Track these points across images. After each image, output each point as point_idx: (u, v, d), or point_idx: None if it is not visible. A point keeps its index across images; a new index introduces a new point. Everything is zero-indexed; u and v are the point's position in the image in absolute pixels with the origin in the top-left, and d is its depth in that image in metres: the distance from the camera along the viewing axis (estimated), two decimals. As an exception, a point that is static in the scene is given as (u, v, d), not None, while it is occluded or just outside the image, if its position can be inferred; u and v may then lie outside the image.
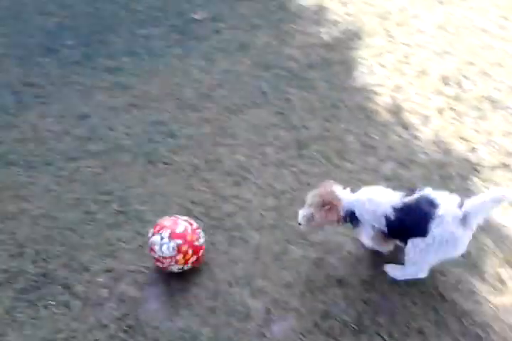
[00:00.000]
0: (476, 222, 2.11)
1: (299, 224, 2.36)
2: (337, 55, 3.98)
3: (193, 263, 2.41)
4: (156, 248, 2.33)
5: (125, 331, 2.27)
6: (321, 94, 3.59)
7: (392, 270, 2.42)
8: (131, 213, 2.80)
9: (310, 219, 2.30)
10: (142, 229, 2.69)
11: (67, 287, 2.45)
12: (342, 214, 2.26)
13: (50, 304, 2.38)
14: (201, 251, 2.43)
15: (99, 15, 4.65)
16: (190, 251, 2.36)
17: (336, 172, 3.00)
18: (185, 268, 2.41)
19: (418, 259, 2.25)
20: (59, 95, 3.70)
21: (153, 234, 2.37)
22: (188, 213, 2.73)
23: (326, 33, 4.25)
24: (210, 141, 3.26)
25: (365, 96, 3.57)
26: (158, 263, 2.40)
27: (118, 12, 4.67)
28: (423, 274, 2.35)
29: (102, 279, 2.48)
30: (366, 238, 2.38)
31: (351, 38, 4.19)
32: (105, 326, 2.29)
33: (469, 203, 2.09)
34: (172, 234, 2.34)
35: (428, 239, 2.13)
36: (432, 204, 2.12)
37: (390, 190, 2.29)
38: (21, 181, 3.03)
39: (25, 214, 2.83)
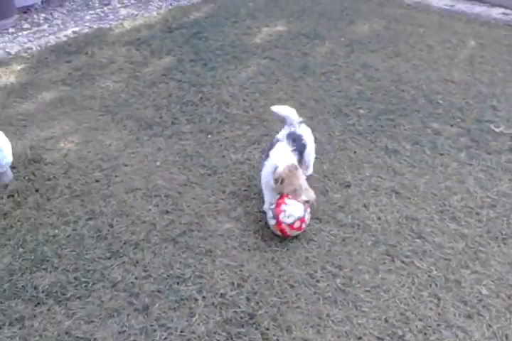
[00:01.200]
0: None
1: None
2: None
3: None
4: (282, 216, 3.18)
5: None
6: None
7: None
8: (350, 296, 2.91)
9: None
10: (358, 319, 2.77)
11: (265, 338, 2.64)
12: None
13: (251, 346, 2.60)
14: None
15: (400, 96, 5.01)
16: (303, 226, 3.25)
17: None
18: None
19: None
20: (333, 156, 4.08)
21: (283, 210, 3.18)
22: (401, 325, 2.75)
23: None
24: (457, 260, 3.19)
25: None
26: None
27: (418, 99, 4.97)
28: None
29: (298, 347, 2.62)
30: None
31: None
32: None
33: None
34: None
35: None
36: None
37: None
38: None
39: (260, 252, 3.17)
